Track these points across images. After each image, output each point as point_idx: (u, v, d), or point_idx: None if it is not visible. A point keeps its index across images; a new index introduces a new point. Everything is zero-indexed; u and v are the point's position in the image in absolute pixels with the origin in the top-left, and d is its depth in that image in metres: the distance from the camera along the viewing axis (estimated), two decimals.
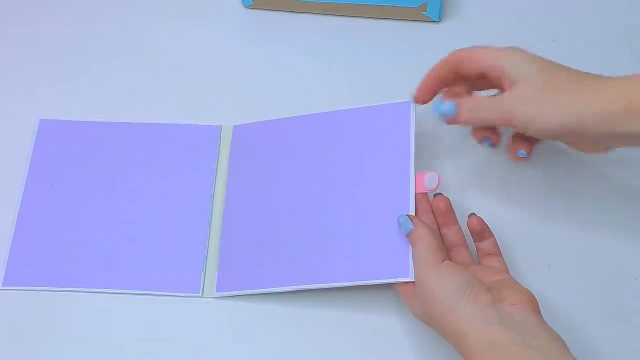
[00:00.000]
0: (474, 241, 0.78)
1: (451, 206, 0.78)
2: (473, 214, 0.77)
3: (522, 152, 0.79)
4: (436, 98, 0.80)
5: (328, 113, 0.86)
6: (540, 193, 0.85)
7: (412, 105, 0.82)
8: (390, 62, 0.94)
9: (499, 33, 0.95)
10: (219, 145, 0.88)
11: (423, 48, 0.95)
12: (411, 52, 0.95)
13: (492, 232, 0.77)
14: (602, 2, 0.97)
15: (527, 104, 0.73)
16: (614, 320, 0.79)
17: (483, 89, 0.81)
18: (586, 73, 0.74)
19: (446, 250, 0.77)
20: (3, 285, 0.81)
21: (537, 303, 0.71)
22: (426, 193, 0.79)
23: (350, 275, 0.77)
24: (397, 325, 0.78)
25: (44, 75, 0.94)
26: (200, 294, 0.80)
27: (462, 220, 0.79)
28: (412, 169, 0.80)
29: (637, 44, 0.94)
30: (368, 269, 0.77)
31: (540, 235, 0.83)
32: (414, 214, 0.77)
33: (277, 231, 0.81)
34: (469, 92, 0.80)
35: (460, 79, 0.79)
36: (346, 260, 0.78)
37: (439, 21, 0.96)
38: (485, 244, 0.77)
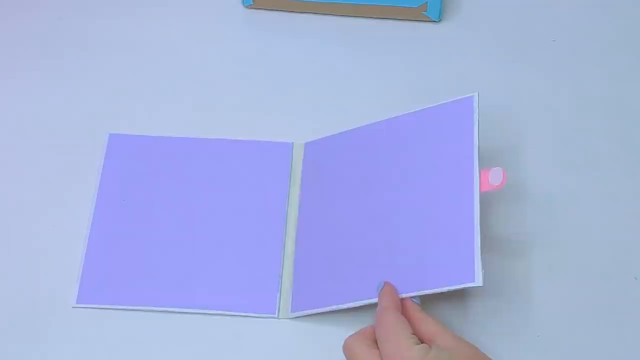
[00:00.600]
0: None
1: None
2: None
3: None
4: None
5: (390, 120, 0.84)
6: (539, 193, 0.85)
7: (476, 100, 0.80)
8: (390, 62, 0.94)
9: (498, 33, 0.95)
10: (292, 161, 0.86)
11: (423, 48, 0.95)
12: (411, 52, 0.95)
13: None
14: (602, 2, 0.97)
15: None
16: (614, 320, 0.79)
17: None
18: None
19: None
20: (77, 303, 0.80)
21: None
22: None
23: (418, 285, 0.75)
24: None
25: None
26: (276, 315, 0.79)
27: None
28: (477, 166, 0.77)
29: (637, 44, 0.94)
30: (435, 277, 0.75)
31: (541, 236, 0.83)
32: (478, 215, 0.75)
33: (349, 246, 0.80)
34: None
35: None
36: (414, 270, 0.76)
37: (439, 21, 0.96)
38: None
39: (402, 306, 0.74)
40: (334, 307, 0.78)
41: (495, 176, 0.76)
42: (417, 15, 0.95)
